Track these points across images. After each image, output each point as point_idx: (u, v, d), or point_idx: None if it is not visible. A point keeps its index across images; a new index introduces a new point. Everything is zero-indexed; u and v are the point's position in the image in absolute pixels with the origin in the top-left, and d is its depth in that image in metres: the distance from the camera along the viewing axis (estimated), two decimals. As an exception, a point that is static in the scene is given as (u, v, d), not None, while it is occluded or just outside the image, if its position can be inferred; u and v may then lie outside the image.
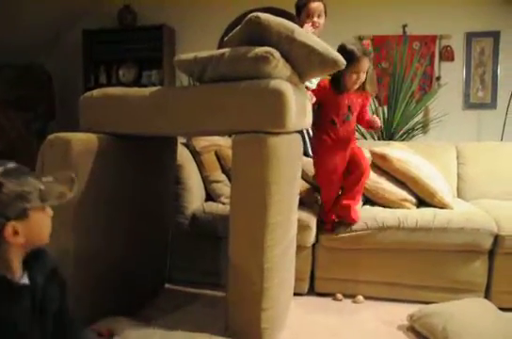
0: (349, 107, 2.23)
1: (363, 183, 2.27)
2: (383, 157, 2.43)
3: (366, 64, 2.12)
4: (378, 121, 2.30)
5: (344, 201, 2.23)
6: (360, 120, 2.32)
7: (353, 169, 2.24)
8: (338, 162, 2.22)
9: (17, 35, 4.09)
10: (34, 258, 1.05)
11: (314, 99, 2.23)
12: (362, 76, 2.14)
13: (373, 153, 2.48)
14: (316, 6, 2.62)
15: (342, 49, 2.07)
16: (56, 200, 1.02)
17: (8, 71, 4.06)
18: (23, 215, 0.96)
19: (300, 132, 2.58)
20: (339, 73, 2.07)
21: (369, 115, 2.34)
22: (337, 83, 2.17)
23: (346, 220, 2.23)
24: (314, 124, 2.24)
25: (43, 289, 1.04)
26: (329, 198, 2.28)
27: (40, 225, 1.01)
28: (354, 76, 2.12)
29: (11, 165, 0.98)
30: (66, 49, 4.55)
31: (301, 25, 2.60)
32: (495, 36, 3.82)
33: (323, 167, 2.26)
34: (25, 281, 1.02)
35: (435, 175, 2.45)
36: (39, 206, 0.99)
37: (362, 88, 2.19)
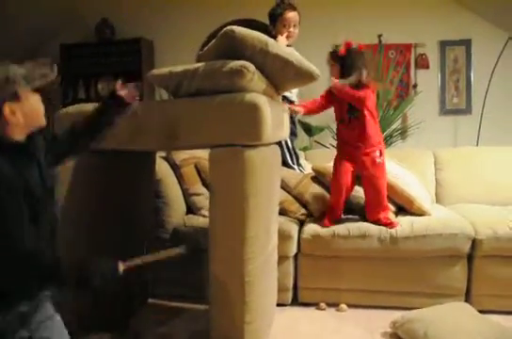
0: (350, 103, 2.24)
1: (384, 195, 2.27)
2: None
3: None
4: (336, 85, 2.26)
5: (376, 215, 2.25)
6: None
7: (365, 188, 2.29)
8: (340, 168, 2.27)
9: (13, 48, 4.04)
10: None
11: (302, 111, 2.25)
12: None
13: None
14: (292, 16, 2.65)
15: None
16: (40, 80, 1.11)
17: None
18: (15, 97, 1.07)
19: (279, 142, 2.60)
20: None
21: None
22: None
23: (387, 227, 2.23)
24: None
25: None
26: (334, 198, 2.32)
27: (33, 106, 1.12)
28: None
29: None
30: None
31: (276, 35, 2.63)
32: (467, 44, 3.92)
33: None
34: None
35: (413, 182, 2.49)
36: (27, 89, 1.09)
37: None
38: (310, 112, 2.40)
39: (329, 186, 2.46)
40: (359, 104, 2.23)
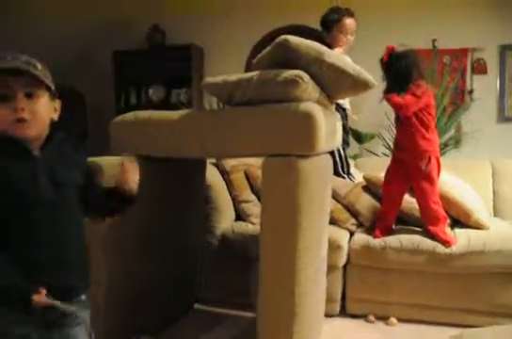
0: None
1: (433, 208, 2.17)
2: None
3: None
4: None
5: (429, 228, 2.18)
6: None
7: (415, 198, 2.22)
8: (392, 174, 2.23)
9: (47, 56, 4.23)
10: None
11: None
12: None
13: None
14: (350, 22, 2.58)
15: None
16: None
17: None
18: None
19: (331, 151, 2.57)
20: None
21: None
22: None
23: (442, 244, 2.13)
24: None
25: (54, 159, 1.08)
26: (385, 207, 2.27)
27: None
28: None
29: None
30: (96, 70, 4.68)
31: (333, 41, 2.58)
32: (530, 48, 3.73)
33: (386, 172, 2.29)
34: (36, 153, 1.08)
35: (469, 194, 2.39)
36: None
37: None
38: None
39: (381, 196, 2.40)
40: (397, 111, 2.16)
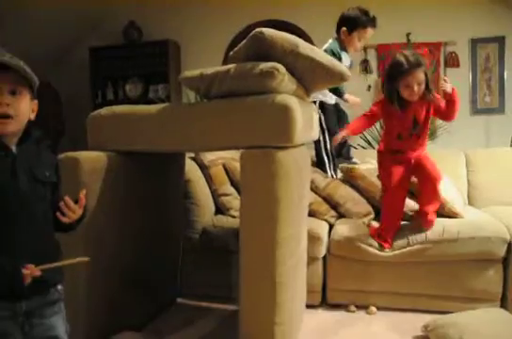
0: (415, 119, 2.13)
1: (435, 189, 2.16)
2: None
3: (418, 76, 1.99)
4: (448, 86, 2.05)
5: (426, 208, 2.17)
6: (441, 113, 2.16)
7: (421, 178, 2.18)
8: (397, 174, 2.16)
9: (23, 53, 4.14)
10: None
11: (346, 134, 2.24)
12: (416, 88, 2.01)
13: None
14: (372, 33, 2.61)
15: (392, 61, 2.01)
16: None
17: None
18: None
19: (318, 144, 2.59)
20: (391, 89, 2.00)
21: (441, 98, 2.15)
22: (391, 100, 2.07)
23: (422, 225, 2.16)
24: (382, 138, 2.21)
25: (31, 156, 1.09)
26: (389, 218, 2.19)
27: None
28: (406, 90, 2.01)
29: None
30: (73, 66, 4.61)
31: (348, 41, 2.59)
32: (500, 41, 3.82)
33: (384, 179, 2.23)
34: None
35: (444, 184, 2.44)
36: None
37: (425, 97, 2.07)
38: (355, 132, 2.31)
39: (359, 188, 2.43)
40: (453, 115, 2.13)
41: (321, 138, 2.62)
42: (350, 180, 2.52)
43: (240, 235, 1.57)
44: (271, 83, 1.52)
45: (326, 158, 2.64)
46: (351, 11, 2.58)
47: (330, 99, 2.72)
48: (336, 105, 2.79)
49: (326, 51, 2.50)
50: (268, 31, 1.57)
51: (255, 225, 1.54)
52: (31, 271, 1.00)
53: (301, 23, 4.09)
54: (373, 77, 4.07)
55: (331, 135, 2.58)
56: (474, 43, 3.88)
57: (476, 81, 3.91)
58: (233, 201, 2.43)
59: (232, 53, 1.76)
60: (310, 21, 4.05)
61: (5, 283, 1.01)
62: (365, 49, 4.00)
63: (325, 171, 2.63)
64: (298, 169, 1.71)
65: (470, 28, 3.87)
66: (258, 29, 1.58)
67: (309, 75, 1.68)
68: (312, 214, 2.30)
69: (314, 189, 2.40)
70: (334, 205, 2.43)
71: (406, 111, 2.10)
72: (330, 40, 2.67)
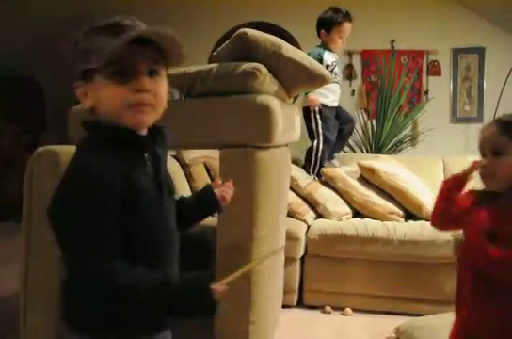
0: None
1: None
2: (371, 170, 2.46)
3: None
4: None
5: None
6: None
7: None
8: None
9: (6, 46, 4.11)
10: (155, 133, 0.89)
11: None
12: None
13: (361, 166, 2.51)
14: (349, 27, 2.65)
15: None
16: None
17: (-2, 82, 4.08)
18: (87, 76, 0.82)
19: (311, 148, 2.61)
20: None
21: None
22: None
23: None
24: None
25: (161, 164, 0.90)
26: None
27: (104, 91, 0.81)
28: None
29: (103, 23, 0.83)
30: (57, 60, 4.56)
31: (330, 41, 2.65)
32: (480, 52, 3.91)
33: None
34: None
35: (422, 188, 2.49)
36: (106, 70, 0.79)
37: None
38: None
39: (339, 192, 2.45)
40: None
41: (314, 144, 2.63)
42: (330, 182, 2.55)
43: (217, 233, 1.58)
44: (253, 83, 1.54)
45: (313, 161, 2.65)
46: (324, 13, 2.68)
47: (332, 102, 2.72)
48: (338, 111, 2.78)
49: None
50: (252, 32, 1.59)
51: (232, 223, 1.55)
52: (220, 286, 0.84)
53: (287, 25, 4.14)
54: (357, 82, 4.12)
55: (325, 142, 2.60)
56: (456, 53, 3.97)
57: (457, 90, 4.00)
58: (214, 200, 2.43)
59: (215, 53, 1.78)
60: (296, 23, 4.09)
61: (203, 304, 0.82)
62: (350, 54, 4.06)
63: (308, 173, 2.65)
64: (278, 169, 1.73)
65: (452, 38, 3.96)
66: (242, 30, 1.60)
67: (291, 77, 1.70)
68: (290, 214, 2.32)
69: (295, 187, 2.43)
70: (313, 205, 2.46)
71: None
72: (312, 49, 2.73)
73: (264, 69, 1.54)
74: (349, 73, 4.12)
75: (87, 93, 0.84)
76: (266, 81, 1.57)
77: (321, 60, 2.60)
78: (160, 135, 0.89)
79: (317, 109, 2.62)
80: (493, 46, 3.89)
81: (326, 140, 2.61)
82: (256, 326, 1.63)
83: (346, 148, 3.80)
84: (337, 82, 2.75)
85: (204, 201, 1.06)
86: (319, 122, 2.64)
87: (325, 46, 2.71)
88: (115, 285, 0.76)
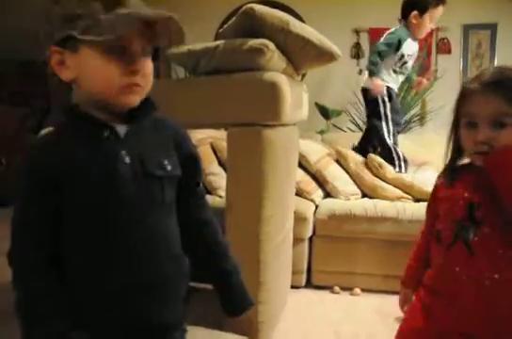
0: None
1: None
2: (380, 166, 2.44)
3: None
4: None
5: None
6: None
7: None
8: None
9: (12, 31, 4.06)
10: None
11: None
12: None
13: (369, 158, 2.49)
14: (441, 12, 2.43)
15: None
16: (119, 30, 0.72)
17: (2, 66, 4.05)
18: (71, 45, 0.76)
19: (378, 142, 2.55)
20: None
21: None
22: None
23: None
24: None
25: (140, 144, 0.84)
26: None
27: (91, 66, 0.76)
28: None
29: None
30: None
31: (419, 25, 2.41)
32: (492, 28, 3.81)
33: None
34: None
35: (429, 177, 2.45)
36: (93, 41, 0.73)
37: None
38: None
39: (350, 172, 2.41)
40: None
41: (384, 127, 2.49)
42: (343, 161, 2.52)
43: (225, 213, 1.56)
44: (260, 60, 1.50)
45: (394, 152, 2.50)
46: None
47: (395, 84, 2.59)
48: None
49: (390, 39, 2.40)
50: (258, 7, 1.54)
51: (240, 202, 1.53)
52: None
53: (293, 3, 4.04)
54: (364, 61, 4.05)
55: (393, 125, 2.49)
56: (466, 29, 3.87)
57: (467, 68, 3.91)
58: (221, 180, 2.41)
59: (221, 29, 1.73)
60: (302, 1, 4.00)
61: None
62: (357, 32, 3.98)
63: (393, 166, 2.50)
64: (286, 148, 1.70)
65: (462, 14, 3.85)
66: (248, 5, 1.55)
67: (299, 54, 1.66)
68: (298, 193, 2.31)
69: (305, 164, 2.41)
70: (321, 183, 2.44)
71: None
72: (396, 28, 2.51)
73: (271, 45, 1.50)
74: (357, 52, 4.04)
75: (64, 62, 0.79)
76: (274, 58, 1.53)
77: (398, 47, 2.41)
78: (145, 107, 0.86)
79: (385, 92, 2.48)
80: (506, 22, 3.77)
81: (393, 124, 2.50)
82: (265, 305, 1.64)
83: (353, 127, 3.76)
84: (403, 73, 2.60)
85: (233, 296, 0.99)
86: (387, 105, 2.51)
87: (408, 32, 2.48)
88: (14, 269, 0.78)
